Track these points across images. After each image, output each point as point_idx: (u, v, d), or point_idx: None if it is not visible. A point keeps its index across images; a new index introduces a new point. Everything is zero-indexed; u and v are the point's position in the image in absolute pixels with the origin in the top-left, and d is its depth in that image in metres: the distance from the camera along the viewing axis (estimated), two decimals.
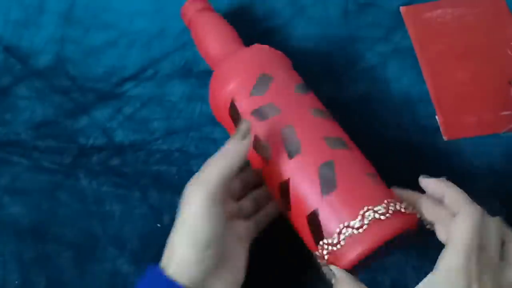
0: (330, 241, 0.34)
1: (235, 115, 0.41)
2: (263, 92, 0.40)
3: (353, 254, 0.34)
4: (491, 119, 0.48)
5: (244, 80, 0.41)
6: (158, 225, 0.45)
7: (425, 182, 0.39)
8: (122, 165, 0.47)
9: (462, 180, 0.46)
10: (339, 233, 0.34)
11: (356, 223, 0.34)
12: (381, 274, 0.43)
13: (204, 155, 0.47)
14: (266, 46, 0.44)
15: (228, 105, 0.41)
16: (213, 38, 0.46)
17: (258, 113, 0.39)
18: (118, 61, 0.52)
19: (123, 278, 0.43)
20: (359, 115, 0.49)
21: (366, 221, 0.33)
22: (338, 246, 0.34)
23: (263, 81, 0.40)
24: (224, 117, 0.42)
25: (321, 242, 0.35)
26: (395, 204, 0.35)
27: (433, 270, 0.32)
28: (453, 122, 0.48)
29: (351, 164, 0.38)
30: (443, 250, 0.33)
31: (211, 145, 0.48)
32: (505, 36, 0.52)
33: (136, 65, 0.52)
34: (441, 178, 0.38)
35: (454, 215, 0.34)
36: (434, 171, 0.47)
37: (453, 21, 0.53)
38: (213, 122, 0.46)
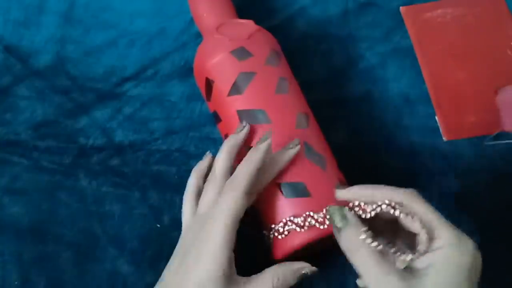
0: (276, 228, 0.38)
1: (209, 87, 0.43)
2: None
3: (291, 246, 0.37)
4: (491, 119, 0.48)
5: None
6: (158, 225, 0.45)
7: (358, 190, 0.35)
8: (122, 165, 0.47)
9: (462, 180, 0.46)
10: (285, 224, 0.37)
11: (299, 221, 0.37)
12: None
13: (203, 155, 0.47)
14: (251, 24, 0.44)
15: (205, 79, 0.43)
16: (207, 5, 0.47)
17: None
18: (118, 61, 0.52)
19: (123, 278, 0.43)
20: (359, 115, 0.49)
21: (307, 223, 0.36)
22: (283, 235, 0.37)
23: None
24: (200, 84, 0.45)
25: (271, 226, 0.38)
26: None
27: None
28: (453, 123, 0.48)
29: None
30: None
31: (211, 145, 0.48)
32: (505, 36, 0.52)
33: (136, 65, 0.52)
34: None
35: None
36: (434, 171, 0.47)
37: (453, 21, 0.53)
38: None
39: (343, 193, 0.35)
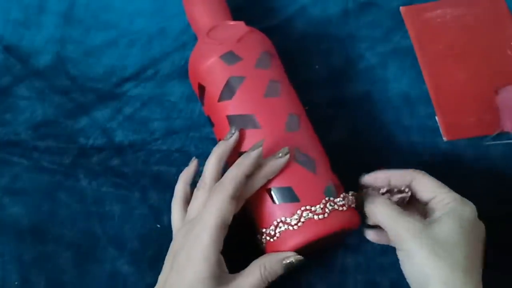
0: (268, 231, 0.38)
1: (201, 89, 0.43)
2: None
3: (284, 248, 0.37)
4: (491, 120, 0.48)
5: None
6: (158, 225, 0.45)
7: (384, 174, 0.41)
8: (122, 165, 0.47)
9: (462, 180, 0.46)
10: (276, 226, 0.37)
11: (292, 220, 0.37)
12: (380, 275, 0.43)
13: (204, 155, 0.47)
14: (242, 25, 0.44)
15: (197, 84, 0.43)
16: (201, 6, 0.46)
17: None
18: (118, 61, 0.52)
19: (123, 279, 0.43)
20: (359, 115, 0.49)
21: (302, 219, 0.36)
22: (274, 238, 0.37)
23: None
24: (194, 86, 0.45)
25: (262, 230, 0.38)
26: (334, 204, 0.37)
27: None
28: (453, 123, 0.48)
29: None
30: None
31: (211, 145, 0.47)
32: (505, 36, 0.52)
33: (136, 65, 0.52)
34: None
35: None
36: (434, 171, 0.47)
37: (453, 21, 0.53)
38: None
39: (366, 179, 0.41)
